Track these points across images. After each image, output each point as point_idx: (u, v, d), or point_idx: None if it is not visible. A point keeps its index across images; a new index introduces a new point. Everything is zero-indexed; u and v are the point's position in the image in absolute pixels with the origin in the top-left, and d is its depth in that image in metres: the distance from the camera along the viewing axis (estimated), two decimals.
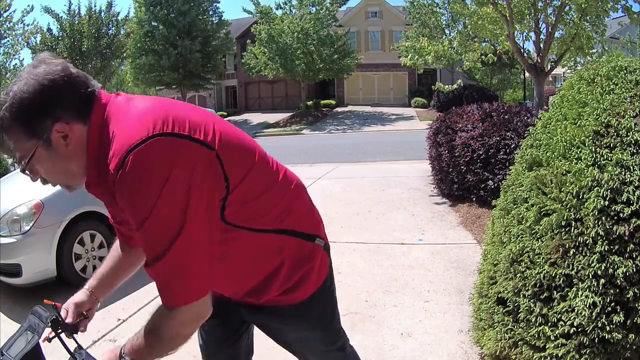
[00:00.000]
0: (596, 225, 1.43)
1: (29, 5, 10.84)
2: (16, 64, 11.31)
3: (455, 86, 9.62)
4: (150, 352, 0.89)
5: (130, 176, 0.81)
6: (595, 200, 1.44)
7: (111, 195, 0.89)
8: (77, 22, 12.25)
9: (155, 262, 0.84)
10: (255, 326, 1.29)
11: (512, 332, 1.65)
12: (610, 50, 12.94)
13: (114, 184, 0.84)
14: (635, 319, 1.36)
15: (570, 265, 1.47)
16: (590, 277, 1.42)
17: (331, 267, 1.20)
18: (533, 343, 1.55)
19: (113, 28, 13.01)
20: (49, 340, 1.00)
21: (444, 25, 12.92)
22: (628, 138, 1.49)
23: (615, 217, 1.43)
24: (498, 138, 4.52)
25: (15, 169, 10.20)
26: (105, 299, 1.21)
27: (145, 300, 3.15)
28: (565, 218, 1.50)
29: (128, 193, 0.83)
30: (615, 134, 1.52)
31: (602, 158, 1.50)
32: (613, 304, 1.39)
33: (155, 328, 0.89)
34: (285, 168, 1.13)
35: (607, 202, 1.43)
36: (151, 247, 0.84)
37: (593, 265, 1.42)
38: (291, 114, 24.74)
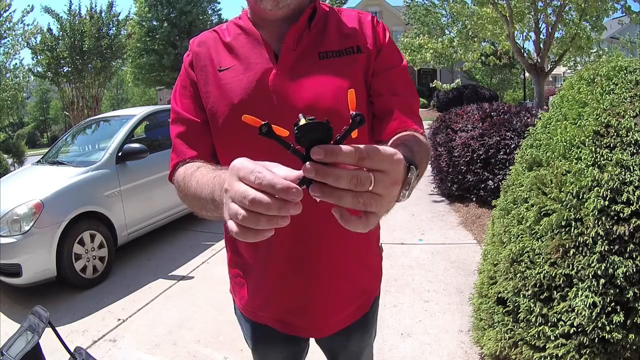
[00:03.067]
0: (596, 225, 1.43)
1: (29, 5, 10.82)
2: (16, 63, 11.30)
3: (454, 85, 9.63)
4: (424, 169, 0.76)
5: None
6: (595, 200, 1.44)
7: None
8: (77, 22, 12.22)
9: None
10: None
11: (512, 332, 1.65)
12: (610, 51, 12.93)
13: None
14: (635, 319, 1.36)
15: (570, 265, 1.47)
16: (590, 277, 1.42)
17: None
18: (533, 343, 1.55)
19: (114, 28, 12.99)
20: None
21: (443, 25, 12.93)
22: (628, 138, 1.49)
23: (615, 217, 1.42)
24: (498, 138, 4.52)
25: (15, 169, 10.16)
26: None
27: (145, 300, 3.15)
28: (565, 218, 1.50)
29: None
30: (615, 134, 1.52)
31: (602, 158, 1.50)
32: (613, 304, 1.39)
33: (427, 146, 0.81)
34: None
35: (607, 202, 1.43)
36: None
37: (593, 265, 1.42)
38: None
